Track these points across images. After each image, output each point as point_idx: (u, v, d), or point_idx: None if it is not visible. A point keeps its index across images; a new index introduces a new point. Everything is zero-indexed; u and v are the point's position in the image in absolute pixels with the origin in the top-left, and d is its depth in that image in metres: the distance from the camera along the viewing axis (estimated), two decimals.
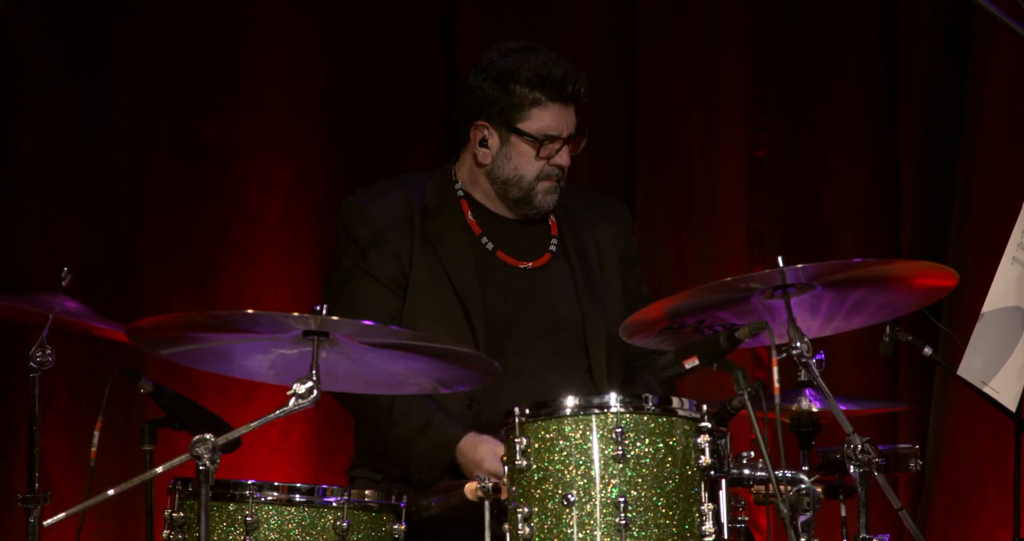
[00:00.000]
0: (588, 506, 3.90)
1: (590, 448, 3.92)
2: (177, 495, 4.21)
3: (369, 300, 4.63)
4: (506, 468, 3.99)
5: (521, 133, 4.62)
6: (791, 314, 3.93)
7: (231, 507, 4.14)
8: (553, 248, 4.76)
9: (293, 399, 3.88)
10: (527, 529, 3.91)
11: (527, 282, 4.70)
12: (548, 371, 4.61)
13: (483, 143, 4.67)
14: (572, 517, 3.89)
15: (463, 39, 6.38)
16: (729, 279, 3.96)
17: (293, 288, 6.31)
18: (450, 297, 4.62)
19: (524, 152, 4.63)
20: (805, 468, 4.51)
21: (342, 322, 3.89)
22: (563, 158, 4.65)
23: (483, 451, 4.41)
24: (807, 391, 4.67)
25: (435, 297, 4.63)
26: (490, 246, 4.70)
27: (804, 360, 3.90)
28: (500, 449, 4.21)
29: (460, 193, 4.74)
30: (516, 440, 3.95)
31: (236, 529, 4.13)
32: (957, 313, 5.64)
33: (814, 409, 4.61)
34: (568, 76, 4.61)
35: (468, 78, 4.68)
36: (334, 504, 4.16)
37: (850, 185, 6.29)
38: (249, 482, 4.16)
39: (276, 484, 4.17)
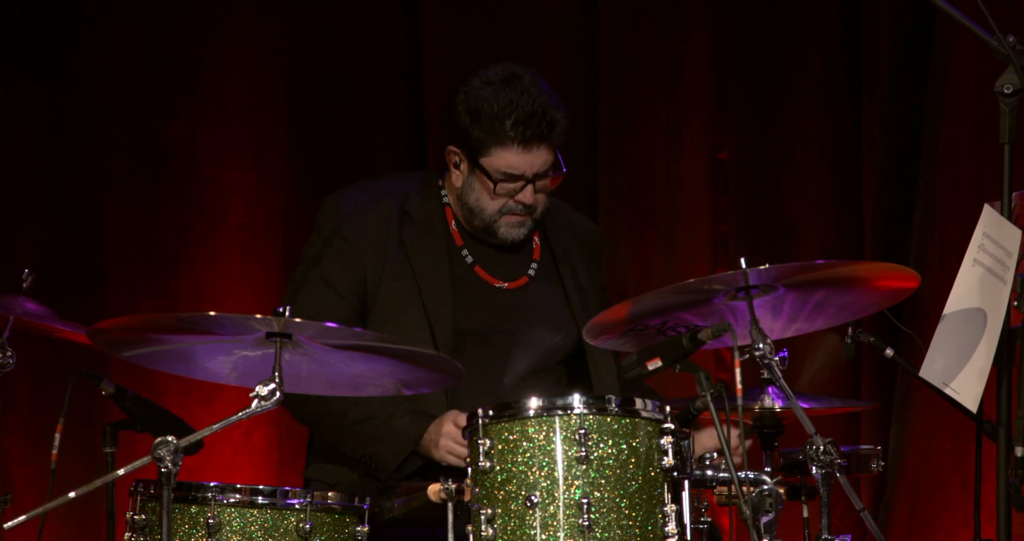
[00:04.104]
0: (551, 507, 3.90)
1: (553, 449, 3.92)
2: (139, 497, 4.20)
3: (318, 305, 4.61)
4: (469, 469, 3.99)
5: (481, 169, 4.61)
6: (754, 315, 3.94)
7: (193, 509, 4.13)
8: (532, 272, 4.74)
9: (256, 401, 3.88)
10: (490, 530, 3.91)
11: (504, 301, 4.69)
12: (526, 387, 4.60)
13: (456, 166, 4.67)
14: (535, 518, 3.90)
15: (428, 40, 6.37)
16: (692, 281, 3.97)
17: (256, 290, 6.29)
18: (417, 310, 4.61)
19: (484, 187, 4.62)
20: (768, 469, 4.52)
21: (305, 324, 3.89)
22: (526, 197, 4.61)
23: (448, 417, 4.41)
24: (769, 389, 4.68)
25: (402, 308, 4.62)
26: (469, 259, 4.70)
27: (767, 361, 3.91)
28: (462, 418, 4.23)
29: (445, 200, 4.73)
30: (480, 441, 3.95)
31: (198, 531, 4.12)
32: (919, 314, 5.66)
33: (777, 409, 4.62)
34: (534, 117, 4.54)
35: (453, 99, 4.64)
36: (297, 506, 4.16)
37: (813, 187, 6.31)
38: (211, 484, 4.15)
39: (238, 486, 4.16)
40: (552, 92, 4.61)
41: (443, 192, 4.73)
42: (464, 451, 4.12)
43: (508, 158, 4.57)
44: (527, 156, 4.57)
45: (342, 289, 4.63)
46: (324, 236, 4.68)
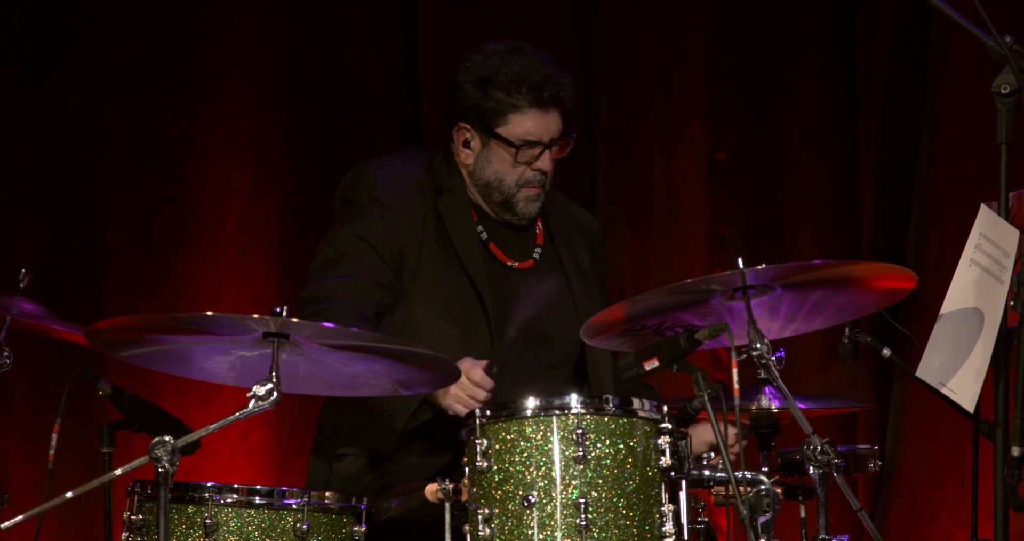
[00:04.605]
0: (549, 507, 3.90)
1: (551, 449, 3.92)
2: (136, 497, 4.20)
3: (358, 262, 4.56)
4: (466, 469, 3.99)
5: (500, 138, 4.61)
6: (751, 315, 3.94)
7: (190, 509, 4.13)
8: (536, 255, 4.75)
9: (253, 401, 3.88)
10: (487, 530, 3.91)
11: (514, 281, 4.69)
12: (532, 380, 4.59)
13: (466, 145, 4.66)
14: (533, 518, 3.90)
15: (425, 38, 6.37)
16: (689, 281, 3.97)
17: (253, 290, 6.29)
18: (465, 285, 4.59)
19: (503, 157, 4.62)
20: (765, 469, 4.52)
21: (302, 324, 3.89)
22: (544, 163, 4.62)
23: (461, 367, 4.36)
24: (767, 390, 4.68)
25: (448, 283, 4.59)
26: (484, 236, 4.70)
27: (764, 361, 3.91)
28: (476, 371, 4.25)
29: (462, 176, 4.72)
30: (477, 441, 3.95)
31: (195, 531, 4.12)
32: (916, 314, 5.66)
33: (774, 409, 4.62)
34: (547, 80, 4.57)
35: (454, 78, 4.65)
36: (294, 506, 4.16)
37: (810, 187, 6.31)
38: (208, 484, 4.15)
39: (235, 486, 4.16)
40: (553, 61, 4.63)
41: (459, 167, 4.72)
42: (471, 402, 4.11)
43: (525, 124, 4.59)
44: (544, 120, 4.59)
45: (382, 251, 4.58)
46: (359, 203, 4.61)
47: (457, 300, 4.58)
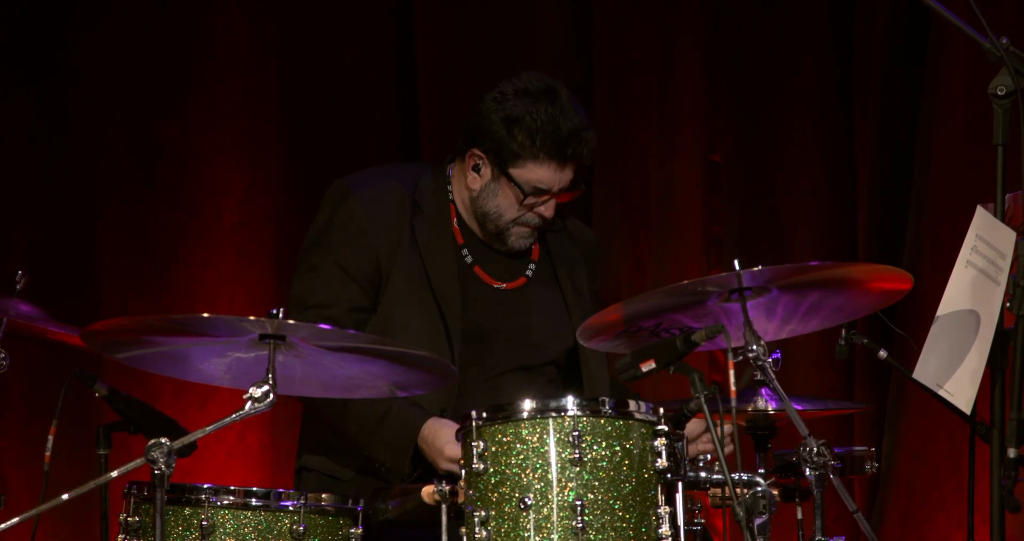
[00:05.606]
0: (545, 509, 3.90)
1: (547, 451, 3.92)
2: (132, 499, 4.20)
3: (334, 292, 4.60)
4: (463, 471, 3.99)
5: (511, 179, 4.60)
6: (747, 317, 3.94)
7: (187, 511, 4.13)
8: (529, 273, 4.75)
9: (249, 403, 3.88)
10: (484, 532, 3.91)
11: (502, 301, 4.69)
12: (521, 389, 4.60)
13: (475, 169, 4.66)
14: (529, 520, 3.90)
15: (421, 39, 6.37)
16: (686, 282, 3.97)
17: (250, 291, 6.29)
18: (430, 303, 4.60)
19: (509, 195, 4.62)
20: (761, 471, 4.52)
21: (298, 326, 3.89)
22: (547, 210, 4.63)
23: (443, 436, 4.40)
24: (763, 391, 4.68)
25: (415, 301, 4.60)
26: (469, 259, 4.70)
27: (760, 363, 3.91)
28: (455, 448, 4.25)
29: (450, 196, 4.73)
30: (473, 443, 3.95)
31: (192, 533, 4.12)
32: (912, 316, 5.66)
33: (770, 411, 4.62)
34: (573, 137, 4.55)
35: (482, 102, 4.61)
36: (290, 508, 4.16)
37: (806, 187, 6.31)
38: (205, 486, 4.15)
39: (232, 488, 4.16)
40: (582, 109, 4.62)
41: (448, 187, 4.73)
42: None
43: (541, 173, 4.58)
44: (559, 173, 4.59)
45: (357, 275, 4.60)
46: (336, 220, 4.64)
47: (422, 322, 4.58)
